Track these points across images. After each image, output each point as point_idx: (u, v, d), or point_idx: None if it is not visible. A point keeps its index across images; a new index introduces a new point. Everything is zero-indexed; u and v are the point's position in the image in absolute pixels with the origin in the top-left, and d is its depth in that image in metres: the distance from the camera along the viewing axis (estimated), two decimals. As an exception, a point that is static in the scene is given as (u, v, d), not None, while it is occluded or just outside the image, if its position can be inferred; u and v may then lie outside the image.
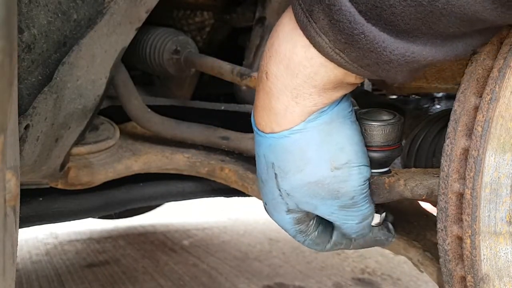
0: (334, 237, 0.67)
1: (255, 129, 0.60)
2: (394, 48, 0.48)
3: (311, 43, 0.51)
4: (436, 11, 0.45)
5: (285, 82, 0.55)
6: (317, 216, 0.65)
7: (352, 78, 0.54)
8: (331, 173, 0.58)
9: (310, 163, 0.58)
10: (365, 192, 0.61)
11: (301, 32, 0.52)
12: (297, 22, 0.52)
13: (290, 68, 0.54)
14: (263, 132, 0.59)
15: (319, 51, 0.51)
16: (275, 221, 0.65)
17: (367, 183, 0.61)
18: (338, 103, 0.58)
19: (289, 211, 0.62)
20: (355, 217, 0.62)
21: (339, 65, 0.51)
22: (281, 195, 0.61)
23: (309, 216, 0.64)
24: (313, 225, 0.65)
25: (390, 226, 0.72)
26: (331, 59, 0.51)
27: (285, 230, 0.66)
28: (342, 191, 0.59)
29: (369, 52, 0.49)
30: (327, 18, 0.49)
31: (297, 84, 0.54)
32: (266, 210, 0.65)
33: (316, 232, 0.66)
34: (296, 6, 0.52)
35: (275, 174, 0.60)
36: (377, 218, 0.69)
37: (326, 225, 0.67)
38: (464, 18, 0.46)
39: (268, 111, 0.57)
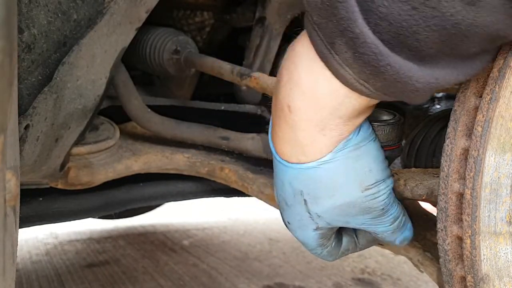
0: (343, 245, 0.68)
1: (277, 158, 0.60)
2: (420, 76, 0.48)
3: (334, 75, 0.51)
4: (459, 33, 0.45)
5: (310, 115, 0.54)
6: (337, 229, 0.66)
7: (375, 102, 0.54)
8: (361, 194, 0.59)
9: (340, 189, 0.58)
10: (392, 199, 0.62)
11: (321, 64, 0.51)
12: (317, 53, 0.51)
13: (314, 102, 0.53)
14: (288, 161, 0.59)
15: (342, 82, 0.51)
16: (297, 237, 0.66)
17: (392, 190, 0.62)
18: (361, 126, 0.58)
19: (317, 228, 0.63)
20: (387, 221, 0.63)
21: (364, 95, 0.51)
22: (311, 217, 0.61)
23: (332, 230, 0.65)
24: (332, 237, 0.66)
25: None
26: (356, 90, 0.51)
27: (305, 244, 0.66)
28: (373, 207, 0.60)
29: (395, 82, 0.48)
30: (350, 51, 0.48)
31: (323, 117, 0.54)
32: (289, 228, 0.66)
33: (333, 244, 0.67)
34: (314, 37, 0.51)
35: (305, 200, 0.60)
36: None
37: (338, 235, 0.68)
38: (486, 37, 0.46)
39: (293, 142, 0.57)
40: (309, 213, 0.61)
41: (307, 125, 0.55)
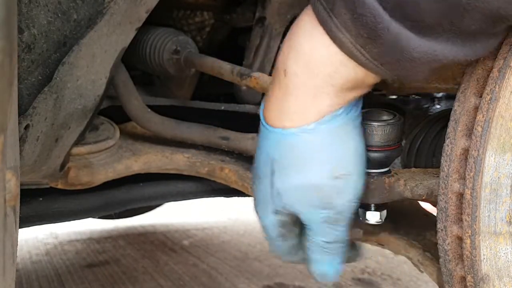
0: (305, 249, 0.66)
1: (263, 122, 0.59)
2: (417, 45, 0.48)
3: (332, 39, 0.51)
4: (460, 6, 0.45)
5: (304, 80, 0.54)
6: (300, 225, 0.64)
7: (371, 79, 0.54)
8: (330, 181, 0.57)
9: (312, 166, 0.57)
10: (351, 212, 0.60)
11: (321, 30, 0.51)
12: (317, 18, 0.51)
13: (310, 67, 0.53)
14: (272, 126, 0.58)
15: (340, 47, 0.51)
16: (260, 221, 0.64)
17: (356, 203, 0.60)
18: (352, 106, 0.57)
19: (276, 212, 0.61)
20: (331, 234, 0.61)
21: (360, 62, 0.51)
22: (271, 194, 0.60)
23: (293, 222, 0.63)
24: (294, 232, 0.64)
25: (358, 245, 0.73)
26: (352, 56, 0.51)
27: (266, 232, 0.64)
28: (334, 203, 0.58)
29: (391, 48, 0.48)
30: (349, 13, 0.48)
31: (316, 83, 0.54)
32: (255, 209, 0.64)
33: (294, 241, 0.65)
34: (316, 3, 0.51)
35: (273, 170, 0.58)
36: (376, 216, 0.69)
37: (302, 239, 0.66)
38: (487, 14, 0.46)
39: (282, 107, 0.56)
40: (271, 188, 0.59)
41: (299, 90, 0.55)
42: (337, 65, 0.52)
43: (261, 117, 0.60)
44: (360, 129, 0.59)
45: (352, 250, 0.71)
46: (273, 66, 1.05)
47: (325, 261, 0.63)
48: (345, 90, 0.54)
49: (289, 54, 0.55)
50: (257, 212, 0.64)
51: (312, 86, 0.54)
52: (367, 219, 0.69)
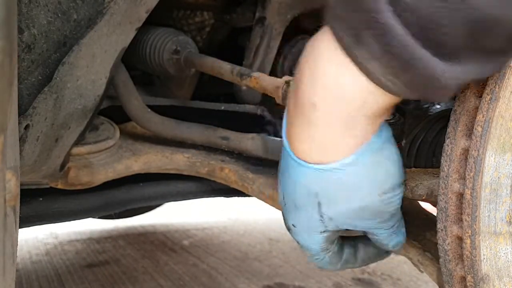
0: (344, 255, 0.68)
1: (293, 157, 0.58)
2: (447, 71, 0.47)
3: (361, 70, 0.49)
4: (486, 27, 0.45)
5: (334, 113, 0.52)
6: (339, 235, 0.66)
7: (398, 100, 0.53)
8: (378, 198, 0.58)
9: (359, 193, 0.57)
10: (401, 205, 0.62)
11: (346, 59, 0.50)
12: (342, 48, 0.50)
13: (340, 99, 0.51)
14: (306, 161, 0.57)
15: (369, 77, 0.49)
16: (299, 241, 0.64)
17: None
18: (382, 128, 0.57)
19: (325, 231, 0.62)
20: (389, 224, 0.62)
21: (389, 90, 0.50)
22: (321, 220, 0.60)
23: (337, 234, 0.64)
24: (335, 242, 0.66)
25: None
26: (382, 86, 0.49)
27: (308, 248, 0.65)
28: (386, 211, 0.60)
29: (423, 77, 0.47)
30: (378, 44, 0.46)
31: (348, 114, 0.52)
32: (292, 231, 0.64)
33: (336, 249, 0.66)
34: (338, 32, 0.49)
35: (319, 202, 0.58)
36: None
37: (340, 244, 0.68)
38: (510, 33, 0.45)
39: (313, 141, 0.55)
40: (321, 216, 0.59)
41: (331, 123, 0.53)
42: (367, 95, 0.51)
43: (288, 151, 0.59)
44: (393, 139, 0.59)
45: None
46: (273, 66, 1.05)
47: (391, 239, 0.65)
48: (376, 116, 0.54)
49: (314, 85, 0.52)
50: (297, 235, 0.64)
51: (345, 118, 0.52)
52: None
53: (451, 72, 0.47)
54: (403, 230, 0.66)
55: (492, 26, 0.45)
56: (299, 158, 0.57)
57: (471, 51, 0.47)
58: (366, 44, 0.47)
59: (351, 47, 0.48)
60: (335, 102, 0.52)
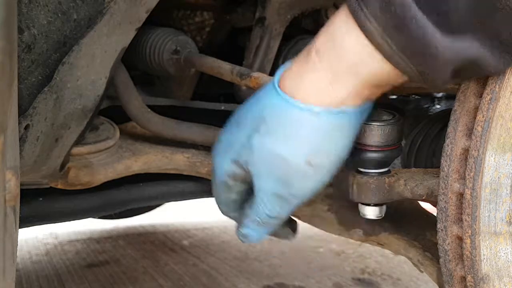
0: (244, 211, 0.67)
1: (275, 83, 0.59)
2: (441, 42, 0.48)
3: (361, 29, 0.52)
4: (491, 4, 0.46)
5: (330, 62, 0.55)
6: (247, 190, 0.65)
7: (395, 77, 0.54)
8: (302, 163, 0.58)
9: (297, 143, 0.57)
10: (301, 201, 0.62)
11: (353, 21, 0.52)
12: (349, 10, 0.52)
13: (339, 52, 0.54)
14: (283, 91, 0.58)
15: (367, 37, 0.52)
16: (213, 162, 0.65)
17: (310, 196, 0.62)
18: (365, 109, 0.58)
19: (235, 162, 0.62)
20: (274, 210, 0.62)
21: (386, 55, 0.51)
22: (242, 145, 0.60)
23: (243, 180, 0.64)
24: (239, 189, 0.65)
25: (296, 225, 0.76)
26: (379, 47, 0.51)
27: (213, 174, 0.65)
28: (293, 183, 0.59)
29: (416, 41, 0.49)
30: (379, 2, 0.49)
31: (341, 68, 0.54)
32: (215, 148, 0.65)
33: (235, 197, 0.67)
34: None
35: (258, 127, 0.59)
36: (376, 211, 0.68)
37: (245, 202, 0.68)
38: None
39: (301, 80, 0.57)
40: (246, 140, 0.60)
41: (324, 70, 0.55)
42: (365, 56, 0.53)
43: (276, 77, 0.60)
44: (354, 133, 0.60)
45: (287, 227, 0.75)
46: (273, 66, 1.05)
47: (255, 229, 0.66)
48: (368, 85, 0.55)
49: (324, 37, 0.56)
50: (216, 153, 0.65)
51: (337, 70, 0.55)
52: (366, 215, 0.69)
53: (450, 44, 0.48)
54: (268, 231, 0.66)
55: (498, 5, 0.46)
56: (279, 89, 0.58)
57: (473, 28, 0.48)
58: (368, 4, 0.50)
59: (356, 8, 0.52)
60: (335, 53, 0.54)
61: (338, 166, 0.60)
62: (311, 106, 0.56)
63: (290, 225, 0.76)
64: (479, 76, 0.54)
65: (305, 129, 0.57)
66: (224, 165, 0.63)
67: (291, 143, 0.57)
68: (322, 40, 0.56)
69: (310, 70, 0.56)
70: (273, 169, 0.59)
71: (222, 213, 0.71)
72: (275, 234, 0.73)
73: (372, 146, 0.65)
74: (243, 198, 0.67)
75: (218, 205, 0.71)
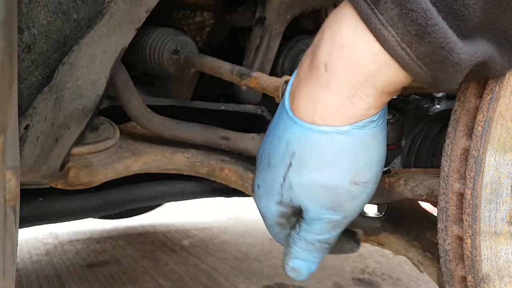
0: (293, 240, 0.64)
1: (289, 112, 0.56)
2: (462, 47, 0.46)
3: (376, 37, 0.48)
4: (505, 2, 0.45)
5: (345, 77, 0.51)
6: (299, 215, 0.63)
7: (407, 82, 0.52)
8: (348, 186, 0.55)
9: (336, 168, 0.55)
10: (354, 217, 0.60)
11: (364, 26, 0.49)
12: (359, 15, 0.49)
13: (353, 64, 0.50)
14: (300, 119, 0.55)
15: (383, 46, 0.48)
16: (259, 207, 0.62)
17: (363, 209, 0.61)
18: (383, 113, 0.56)
19: (280, 203, 0.59)
20: (327, 234, 0.60)
21: (403, 63, 0.49)
22: (282, 186, 0.57)
23: (294, 213, 0.61)
24: (292, 223, 0.63)
25: (357, 236, 0.71)
26: (396, 55, 0.48)
27: (264, 218, 0.63)
28: (345, 207, 0.57)
29: (439, 49, 0.46)
30: (397, 8, 0.46)
31: (358, 81, 0.51)
32: (255, 193, 0.62)
33: (292, 230, 0.63)
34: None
35: (290, 163, 0.56)
36: (374, 209, 0.68)
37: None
38: None
39: (317, 102, 0.54)
40: (284, 179, 0.57)
41: (339, 87, 0.52)
42: (381, 65, 0.50)
43: (287, 106, 0.57)
44: (385, 136, 0.58)
45: (348, 239, 0.71)
46: (273, 66, 1.05)
47: (306, 258, 0.62)
48: (385, 93, 0.52)
49: (331, 48, 0.52)
50: (258, 199, 0.62)
51: (353, 84, 0.51)
52: (365, 213, 0.69)
53: (469, 49, 0.46)
54: (318, 260, 0.63)
55: (507, 4, 0.45)
56: (294, 115, 0.56)
57: (486, 29, 0.47)
58: (384, 10, 0.47)
59: (368, 13, 0.48)
60: (348, 66, 0.51)
61: (382, 172, 0.58)
62: (337, 128, 0.53)
63: (351, 237, 0.72)
64: (485, 77, 0.53)
65: (339, 153, 0.54)
66: (271, 208, 0.60)
67: (329, 170, 0.55)
68: (329, 50, 0.52)
69: (323, 89, 0.53)
70: (320, 200, 0.57)
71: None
72: (338, 250, 0.70)
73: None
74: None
75: (280, 242, 0.67)
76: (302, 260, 0.62)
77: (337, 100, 0.52)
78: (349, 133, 0.53)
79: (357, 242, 0.71)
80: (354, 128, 0.53)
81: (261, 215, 0.63)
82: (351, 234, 0.71)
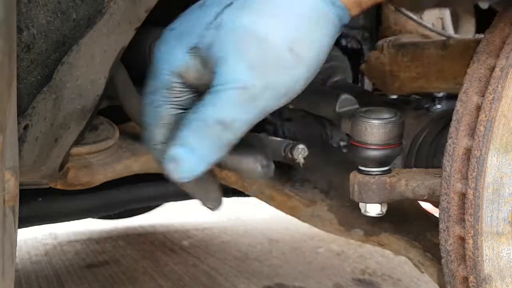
0: (182, 121, 0.51)
1: None
2: None
3: None
4: None
5: None
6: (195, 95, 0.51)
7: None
8: (283, 48, 0.47)
9: (280, 23, 0.47)
10: (271, 109, 0.49)
11: None
12: None
13: None
14: None
15: None
16: (155, 58, 0.52)
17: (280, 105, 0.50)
18: (347, 20, 0.51)
19: (192, 50, 0.50)
20: (234, 112, 0.47)
21: None
22: (208, 25, 0.49)
23: (196, 78, 0.50)
24: (182, 100, 0.52)
25: (218, 195, 0.62)
26: None
27: (151, 78, 0.52)
28: (269, 73, 0.47)
29: None
30: None
31: None
32: (161, 39, 0.53)
33: (174, 111, 0.52)
34: None
35: (231, 2, 0.49)
36: (377, 208, 0.68)
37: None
38: None
39: None
40: (215, 17, 0.48)
41: None
42: None
43: None
44: (336, 38, 0.52)
45: (214, 189, 0.60)
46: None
47: (194, 146, 0.48)
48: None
49: None
50: (161, 44, 0.53)
51: None
52: (367, 212, 0.68)
53: None
54: (210, 157, 0.49)
55: None
56: None
57: None
58: None
59: None
60: None
61: (315, 70, 0.50)
62: None
63: (216, 188, 0.62)
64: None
65: (293, 11, 0.47)
66: (174, 57, 0.51)
67: (274, 23, 0.47)
68: None
69: None
70: (246, 50, 0.47)
71: (147, 137, 0.55)
72: (199, 195, 0.60)
73: (372, 144, 0.64)
74: (178, 121, 0.52)
75: (145, 123, 0.55)
76: (188, 149, 0.48)
77: None
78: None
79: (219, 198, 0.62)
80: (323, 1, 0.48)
81: (150, 74, 0.52)
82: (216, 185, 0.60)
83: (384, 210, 0.69)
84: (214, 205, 0.62)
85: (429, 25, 1.05)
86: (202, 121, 0.48)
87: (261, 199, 0.99)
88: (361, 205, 0.69)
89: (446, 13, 1.14)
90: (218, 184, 0.62)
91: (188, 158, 0.49)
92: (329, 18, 0.49)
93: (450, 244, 0.56)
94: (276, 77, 0.48)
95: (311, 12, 0.48)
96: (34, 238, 2.15)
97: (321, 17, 0.48)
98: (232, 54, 0.47)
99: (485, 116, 0.53)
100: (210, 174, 0.58)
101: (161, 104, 0.52)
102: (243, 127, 0.49)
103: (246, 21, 0.47)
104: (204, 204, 0.62)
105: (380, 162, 0.66)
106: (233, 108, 0.47)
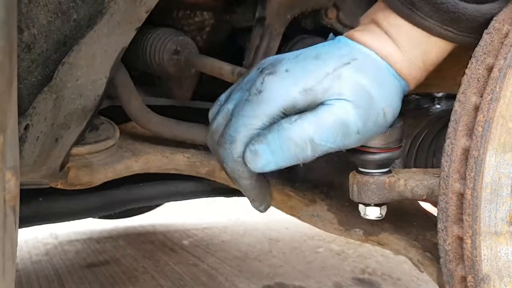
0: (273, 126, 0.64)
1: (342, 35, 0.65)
2: (485, 9, 0.57)
3: (421, 28, 0.60)
4: None
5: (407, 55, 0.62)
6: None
7: (448, 50, 0.64)
8: (380, 110, 0.61)
9: (383, 89, 0.61)
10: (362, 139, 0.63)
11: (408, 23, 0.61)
12: (399, 14, 0.61)
13: (410, 37, 0.62)
14: (351, 39, 0.63)
15: (429, 32, 0.60)
16: (268, 92, 0.61)
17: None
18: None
19: (305, 91, 0.60)
20: (331, 137, 0.58)
21: (451, 39, 0.60)
22: (327, 74, 0.60)
23: (297, 110, 0.61)
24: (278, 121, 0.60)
25: (268, 197, 0.71)
26: (442, 36, 0.60)
27: (267, 98, 0.61)
28: (367, 123, 0.60)
29: (473, 21, 0.57)
30: (429, 5, 0.58)
31: (413, 54, 0.62)
32: (275, 75, 0.62)
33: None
34: (394, 3, 0.60)
35: (349, 62, 0.61)
36: (377, 211, 0.68)
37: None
38: None
39: (374, 34, 0.63)
40: (334, 70, 0.60)
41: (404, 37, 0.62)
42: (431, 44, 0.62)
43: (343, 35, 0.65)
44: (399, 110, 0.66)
45: (266, 193, 0.70)
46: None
47: (275, 151, 0.59)
48: (431, 65, 0.64)
49: (389, 21, 0.63)
50: (279, 80, 0.61)
51: (410, 56, 0.62)
52: (367, 215, 0.69)
53: (487, 8, 0.57)
54: (283, 163, 0.60)
55: None
56: (346, 36, 0.64)
57: None
58: (420, 8, 0.59)
59: (407, 12, 0.60)
60: (408, 41, 0.63)
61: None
62: (397, 73, 0.62)
63: (268, 192, 0.70)
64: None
65: (390, 84, 0.61)
66: (288, 93, 0.59)
67: (379, 86, 0.60)
68: (391, 24, 0.62)
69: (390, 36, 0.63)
70: (359, 100, 0.59)
71: (224, 144, 0.65)
72: (253, 193, 0.68)
73: (372, 147, 0.65)
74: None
75: (228, 135, 0.65)
76: (269, 150, 0.59)
77: (400, 62, 0.62)
78: (398, 79, 0.63)
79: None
80: (401, 78, 0.63)
81: (261, 100, 0.60)
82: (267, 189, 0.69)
83: (384, 213, 0.69)
84: (263, 206, 0.71)
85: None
86: (294, 133, 0.59)
87: (261, 199, 0.99)
88: (360, 208, 0.69)
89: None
90: (271, 189, 0.71)
91: (265, 156, 0.59)
92: (403, 90, 0.64)
93: (449, 244, 0.57)
94: (367, 127, 0.60)
95: (398, 88, 0.63)
96: (35, 238, 2.15)
97: (400, 91, 0.63)
98: (347, 97, 0.59)
99: (483, 117, 0.53)
100: (266, 178, 0.68)
101: (256, 127, 0.61)
102: (323, 152, 0.60)
103: (363, 81, 0.59)
104: (253, 203, 0.71)
105: (379, 165, 0.66)
106: (328, 134, 0.58)
